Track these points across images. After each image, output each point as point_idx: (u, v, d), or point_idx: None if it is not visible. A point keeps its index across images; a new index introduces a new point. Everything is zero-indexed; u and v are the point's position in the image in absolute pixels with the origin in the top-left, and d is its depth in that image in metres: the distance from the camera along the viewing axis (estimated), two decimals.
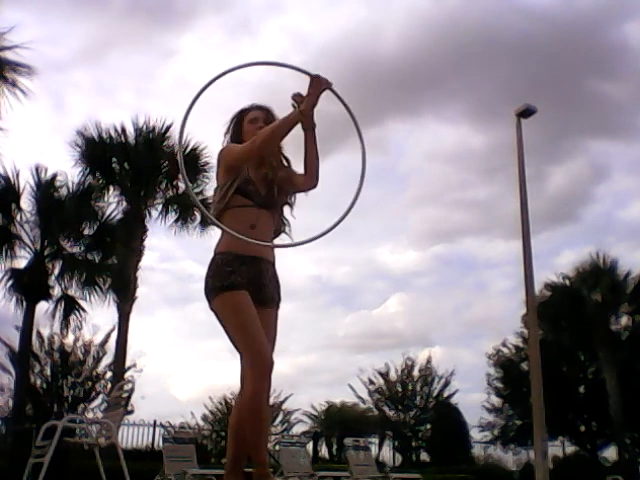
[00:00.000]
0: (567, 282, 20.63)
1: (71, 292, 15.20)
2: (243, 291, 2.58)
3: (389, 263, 34.22)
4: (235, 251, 2.66)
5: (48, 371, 14.36)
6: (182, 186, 15.90)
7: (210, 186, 15.69)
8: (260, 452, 2.51)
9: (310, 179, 2.78)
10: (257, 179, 2.75)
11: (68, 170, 15.37)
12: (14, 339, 14.20)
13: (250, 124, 2.81)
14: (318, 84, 2.59)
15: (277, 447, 7.45)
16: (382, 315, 32.18)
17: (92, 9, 27.10)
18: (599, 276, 19.79)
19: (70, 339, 14.74)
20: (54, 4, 27.34)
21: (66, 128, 14.84)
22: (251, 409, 2.48)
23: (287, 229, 2.88)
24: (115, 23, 28.13)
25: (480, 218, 33.52)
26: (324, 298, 34.98)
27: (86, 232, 15.49)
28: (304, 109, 2.56)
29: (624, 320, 20.53)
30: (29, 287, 14.29)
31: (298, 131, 2.69)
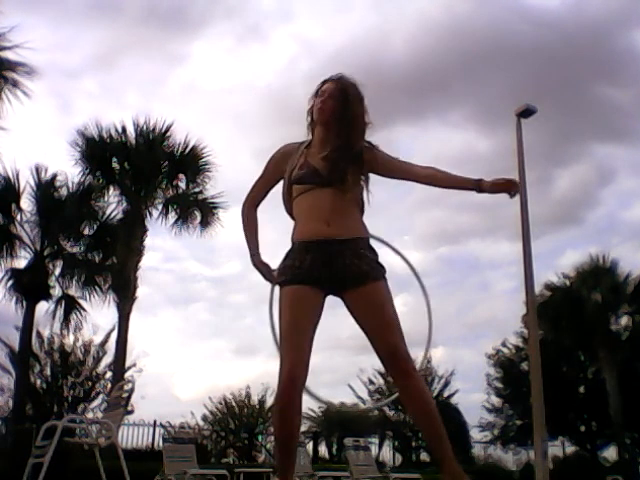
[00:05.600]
0: (567, 282, 20.64)
1: (71, 292, 15.26)
2: (298, 286, 2.40)
3: (393, 264, 34.14)
4: (301, 238, 2.47)
5: (48, 371, 14.34)
6: (182, 186, 15.93)
7: (210, 185, 15.76)
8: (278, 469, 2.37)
9: (425, 179, 2.59)
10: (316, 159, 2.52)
11: (68, 170, 15.42)
12: (14, 339, 14.24)
13: (317, 97, 2.58)
14: (509, 187, 2.52)
15: None
16: None
17: (106, 17, 27.32)
18: (599, 276, 19.79)
19: (70, 339, 14.76)
20: (69, 11, 27.53)
21: (72, 130, 14.94)
22: (273, 414, 2.44)
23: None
24: (128, 30, 28.32)
25: (485, 220, 33.53)
26: (328, 299, 34.92)
27: (86, 232, 15.53)
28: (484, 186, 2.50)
29: (624, 320, 20.56)
30: (29, 287, 14.31)
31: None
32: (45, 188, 15.08)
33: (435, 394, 20.34)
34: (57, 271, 15.14)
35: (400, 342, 2.35)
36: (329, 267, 2.39)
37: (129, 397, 6.39)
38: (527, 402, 14.31)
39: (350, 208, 2.50)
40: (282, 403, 2.30)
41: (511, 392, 20.03)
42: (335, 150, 2.49)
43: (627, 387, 18.32)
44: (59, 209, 14.77)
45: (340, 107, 2.51)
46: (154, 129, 15.46)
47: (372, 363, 19.98)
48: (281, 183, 2.67)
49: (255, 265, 2.64)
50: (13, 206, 14.94)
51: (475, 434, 20.14)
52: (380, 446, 19.22)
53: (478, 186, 2.50)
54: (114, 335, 14.38)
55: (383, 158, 2.60)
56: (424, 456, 19.64)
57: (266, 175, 2.70)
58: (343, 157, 2.47)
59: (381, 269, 2.46)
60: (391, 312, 2.40)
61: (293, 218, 2.59)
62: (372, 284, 2.39)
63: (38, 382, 14.31)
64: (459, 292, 33.51)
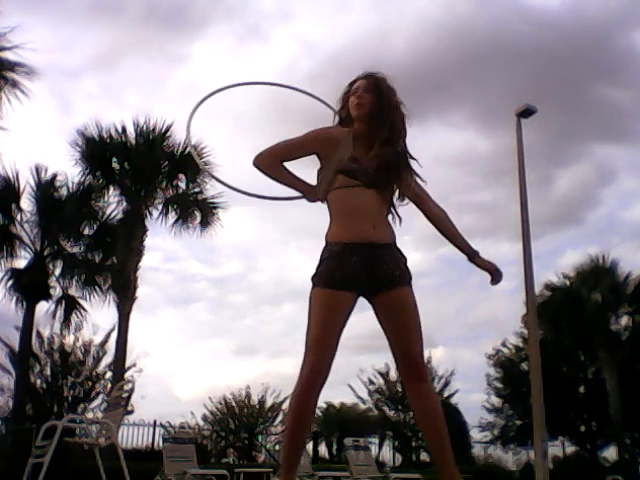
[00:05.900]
0: (567, 282, 20.65)
1: (71, 292, 15.25)
2: (335, 291, 2.36)
3: None
4: (345, 240, 2.43)
5: (48, 371, 14.33)
6: (182, 186, 15.93)
7: (210, 185, 15.76)
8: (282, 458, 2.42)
9: (433, 218, 2.68)
10: (365, 157, 2.51)
11: (68, 170, 15.43)
12: (14, 339, 14.23)
13: (350, 95, 2.60)
14: (495, 275, 2.64)
15: (277, 447, 7.46)
16: None
17: (106, 17, 27.44)
18: (599, 277, 19.80)
19: (70, 339, 14.76)
20: (69, 11, 27.64)
21: (72, 130, 15.03)
22: (289, 410, 2.41)
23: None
24: (128, 30, 28.41)
25: (486, 220, 33.54)
26: None
27: (86, 232, 15.53)
28: None
29: (624, 320, 20.58)
30: (29, 287, 14.31)
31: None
32: (45, 188, 15.08)
33: None
34: (57, 271, 15.15)
35: (419, 347, 2.42)
36: (370, 270, 2.41)
37: (129, 397, 6.41)
38: (527, 402, 14.32)
39: (386, 212, 2.57)
40: (298, 403, 2.33)
41: (511, 392, 20.03)
42: (382, 144, 2.50)
43: (627, 387, 18.32)
44: (59, 209, 14.77)
45: (377, 99, 2.54)
46: (154, 129, 15.47)
47: (372, 363, 20.06)
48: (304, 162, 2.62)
49: (313, 201, 2.63)
50: (13, 206, 14.94)
51: (475, 434, 20.18)
52: (380, 446, 19.23)
53: (473, 256, 2.66)
54: (114, 335, 14.40)
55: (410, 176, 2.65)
56: (424, 456, 19.66)
57: (300, 142, 2.57)
58: (391, 161, 2.50)
59: (409, 274, 2.51)
60: (415, 317, 2.46)
61: (325, 202, 2.56)
62: (401, 288, 2.45)
63: (38, 382, 14.31)
64: (459, 292, 33.59)
